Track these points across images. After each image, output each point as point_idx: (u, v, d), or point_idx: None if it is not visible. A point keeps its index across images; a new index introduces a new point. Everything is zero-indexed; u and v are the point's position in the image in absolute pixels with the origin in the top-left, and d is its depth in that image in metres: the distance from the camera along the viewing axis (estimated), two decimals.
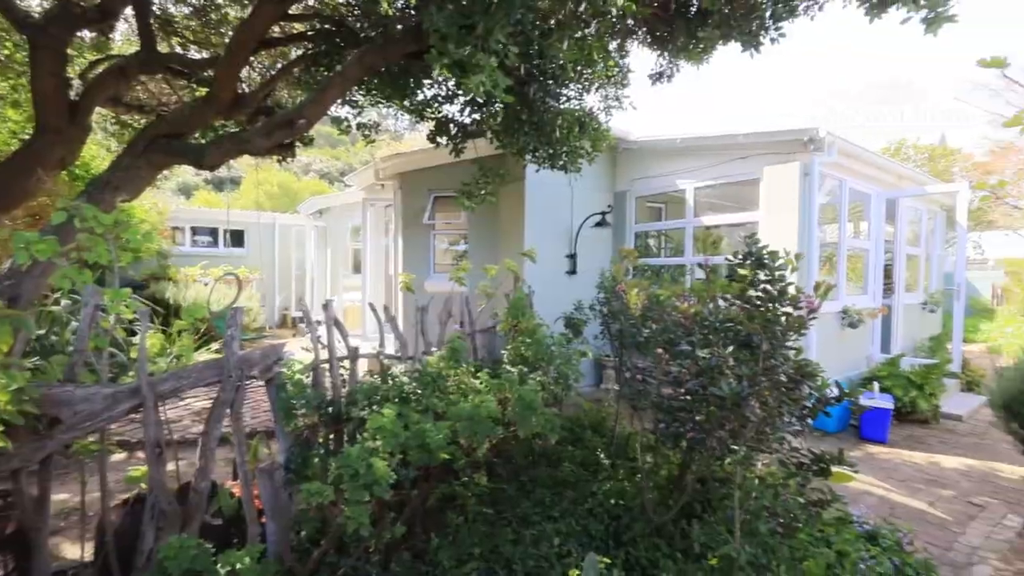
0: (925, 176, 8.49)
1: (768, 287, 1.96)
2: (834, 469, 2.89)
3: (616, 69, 3.95)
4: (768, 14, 3.35)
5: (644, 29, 4.56)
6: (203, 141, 5.07)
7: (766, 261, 1.96)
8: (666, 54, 4.26)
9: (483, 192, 4.72)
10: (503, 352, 3.33)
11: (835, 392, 1.97)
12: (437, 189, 7.06)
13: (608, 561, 2.45)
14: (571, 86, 4.12)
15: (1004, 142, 16.69)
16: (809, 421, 2.05)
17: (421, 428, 2.29)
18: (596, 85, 4.14)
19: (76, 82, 4.86)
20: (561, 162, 4.68)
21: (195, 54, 5.61)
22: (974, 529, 3.64)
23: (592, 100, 4.79)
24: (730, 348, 1.97)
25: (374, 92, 4.81)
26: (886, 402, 5.52)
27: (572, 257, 6.77)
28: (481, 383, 2.78)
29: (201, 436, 2.25)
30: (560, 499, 3.11)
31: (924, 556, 2.97)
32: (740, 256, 2.03)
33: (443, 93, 4.62)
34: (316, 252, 11.67)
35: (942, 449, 5.33)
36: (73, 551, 2.95)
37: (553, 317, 4.14)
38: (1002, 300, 15.42)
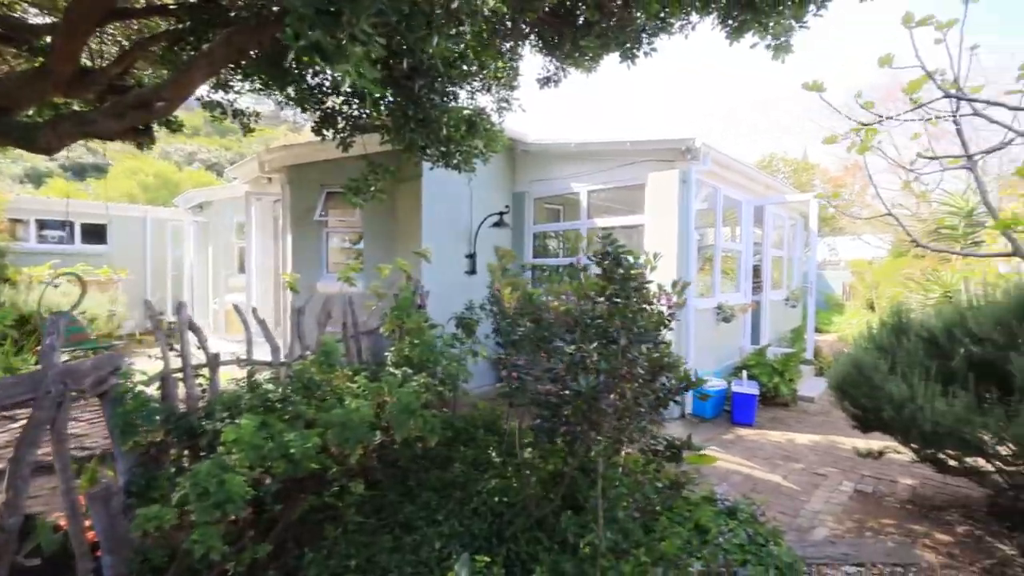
0: (787, 187, 9.57)
1: (626, 284, 2.07)
2: (702, 452, 3.14)
3: (504, 70, 3.99)
4: (642, 29, 3.56)
5: (535, 35, 4.68)
6: (38, 119, 4.39)
7: (622, 260, 2.07)
8: (555, 60, 4.39)
9: (373, 189, 4.55)
10: (387, 354, 3.23)
11: (688, 383, 2.14)
12: (330, 184, 6.72)
13: (488, 559, 2.46)
14: (463, 85, 4.09)
15: (851, 160, 19.41)
16: (663, 410, 2.20)
17: (284, 438, 2.13)
18: (485, 85, 4.15)
19: None
20: (455, 161, 4.65)
21: (35, 18, 4.84)
22: (817, 496, 4.14)
23: (485, 101, 4.82)
24: (594, 344, 2.06)
25: (251, 77, 4.45)
26: (753, 389, 6.13)
27: (471, 257, 6.76)
28: (358, 387, 2.66)
29: (9, 464, 1.92)
30: (447, 501, 3.08)
31: (774, 525, 3.31)
32: (598, 255, 2.13)
33: (328, 84, 4.39)
34: (196, 250, 10.61)
35: (797, 428, 6.03)
36: None
37: (453, 318, 4.10)
38: (850, 296, 17.84)
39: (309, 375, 2.59)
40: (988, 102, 1.98)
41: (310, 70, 4.17)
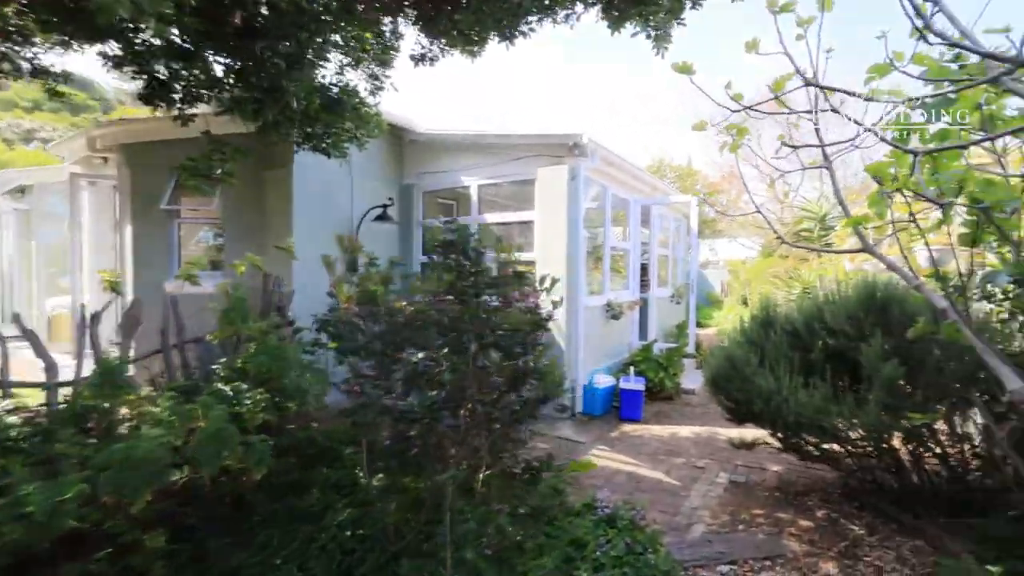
0: (671, 188, 10.04)
1: (477, 279, 1.78)
2: (581, 459, 2.93)
3: (371, 42, 3.55)
4: (519, 5, 3.32)
5: (415, 12, 4.29)
6: None
7: (470, 251, 1.77)
8: (432, 37, 4.03)
9: (220, 172, 3.88)
10: (215, 367, 2.67)
11: (547, 395, 1.90)
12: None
13: None
14: (324, 55, 3.59)
15: (727, 168, 21.28)
16: (529, 421, 1.95)
17: (21, 491, 1.56)
18: (354, 59, 3.68)
19: None
20: (324, 145, 4.12)
21: None
22: (696, 491, 4.19)
23: (357, 78, 4.33)
24: (445, 350, 1.75)
25: (50, 27, 3.57)
26: (639, 385, 6.21)
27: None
28: (161, 411, 2.11)
29: None
30: (292, 538, 2.60)
31: (654, 529, 3.23)
32: (442, 246, 1.82)
33: (158, 43, 3.66)
34: (16, 243, 8.78)
35: (680, 421, 6.21)
36: None
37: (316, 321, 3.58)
38: (727, 293, 19.45)
39: (82, 402, 1.99)
40: (847, 92, 1.96)
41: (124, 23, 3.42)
